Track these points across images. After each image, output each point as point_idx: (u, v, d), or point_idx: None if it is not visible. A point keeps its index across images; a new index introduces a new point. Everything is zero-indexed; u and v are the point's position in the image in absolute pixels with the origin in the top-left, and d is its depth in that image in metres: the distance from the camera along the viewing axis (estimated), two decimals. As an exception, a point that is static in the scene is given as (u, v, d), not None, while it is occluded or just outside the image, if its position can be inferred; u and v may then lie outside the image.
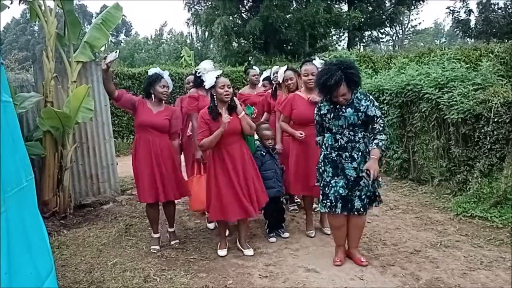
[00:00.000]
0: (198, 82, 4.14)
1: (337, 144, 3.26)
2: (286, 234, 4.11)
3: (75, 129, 5.21)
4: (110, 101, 5.35)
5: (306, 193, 4.03)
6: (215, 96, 3.55)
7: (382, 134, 3.20)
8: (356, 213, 3.28)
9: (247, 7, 20.40)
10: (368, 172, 3.07)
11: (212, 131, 3.47)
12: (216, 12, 18.78)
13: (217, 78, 3.50)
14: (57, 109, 4.74)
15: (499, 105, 4.38)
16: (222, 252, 3.75)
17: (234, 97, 3.69)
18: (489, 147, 4.53)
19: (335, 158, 3.27)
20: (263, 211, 4.11)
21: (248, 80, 5.49)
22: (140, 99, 3.84)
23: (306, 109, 3.78)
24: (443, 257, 3.49)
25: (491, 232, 3.96)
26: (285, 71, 4.41)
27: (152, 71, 3.87)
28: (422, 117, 5.42)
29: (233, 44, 20.49)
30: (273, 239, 4.02)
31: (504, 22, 20.64)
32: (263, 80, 5.44)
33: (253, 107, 5.00)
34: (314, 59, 4.03)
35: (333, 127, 3.26)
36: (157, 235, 4.02)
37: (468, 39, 22.98)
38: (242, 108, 3.67)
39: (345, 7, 21.38)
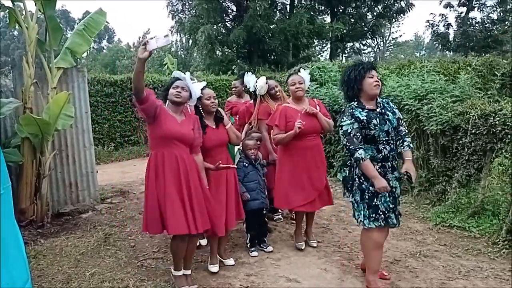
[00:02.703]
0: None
1: (380, 155, 2.97)
2: (270, 248, 3.97)
3: (54, 136, 5.12)
4: (131, 102, 3.97)
5: (308, 208, 3.89)
6: (200, 108, 3.47)
7: (408, 136, 3.14)
8: (397, 225, 3.09)
9: (231, 17, 20.50)
10: (409, 174, 2.93)
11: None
12: (200, 21, 18.81)
13: (202, 89, 3.41)
14: (36, 116, 4.65)
15: (476, 117, 4.48)
16: (214, 268, 3.58)
17: (219, 108, 3.64)
18: (467, 158, 4.63)
19: (379, 170, 2.94)
20: (245, 224, 4.09)
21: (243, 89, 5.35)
22: (161, 104, 3.11)
23: (303, 121, 3.68)
24: (422, 266, 3.53)
25: (469, 242, 4.03)
26: (266, 82, 4.45)
27: (172, 74, 3.39)
28: (402, 128, 5.50)
29: (216, 53, 20.53)
30: (254, 253, 3.89)
31: (481, 36, 21.31)
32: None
33: (237, 116, 5.03)
34: (299, 71, 4.07)
35: (380, 134, 2.95)
36: (180, 273, 3.27)
37: (447, 52, 23.59)
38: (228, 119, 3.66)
39: (328, 19, 21.71)
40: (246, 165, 3.91)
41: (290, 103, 3.95)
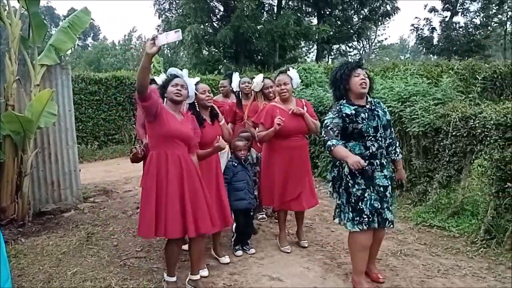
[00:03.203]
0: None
1: (368, 152, 2.98)
2: (252, 251, 3.95)
3: (36, 134, 5.06)
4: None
5: (291, 207, 3.91)
6: (196, 104, 3.45)
7: (398, 146, 3.23)
8: (391, 225, 3.10)
9: (218, 16, 20.51)
10: (402, 181, 3.03)
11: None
12: (187, 20, 18.76)
13: (196, 84, 3.35)
14: (19, 113, 4.59)
15: (457, 120, 4.58)
16: (205, 272, 3.47)
17: (214, 105, 3.61)
18: (447, 159, 4.72)
19: (366, 168, 2.93)
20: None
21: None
22: (161, 102, 3.02)
23: (289, 121, 3.71)
24: (403, 265, 3.60)
25: (448, 241, 4.12)
26: (262, 80, 4.45)
27: (168, 71, 3.28)
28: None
29: (203, 52, 20.50)
30: (239, 253, 3.89)
31: (464, 40, 21.70)
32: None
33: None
34: (289, 70, 4.07)
35: (368, 130, 2.98)
36: (174, 279, 3.18)
37: (431, 55, 23.96)
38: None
39: (314, 21, 21.86)
40: (235, 164, 3.88)
41: (277, 103, 3.96)
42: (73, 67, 27.23)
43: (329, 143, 2.93)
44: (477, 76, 7.01)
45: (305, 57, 29.09)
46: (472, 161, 4.55)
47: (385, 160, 3.07)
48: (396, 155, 3.19)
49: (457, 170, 4.67)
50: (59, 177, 5.52)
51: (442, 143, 4.77)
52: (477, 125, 4.29)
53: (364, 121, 2.97)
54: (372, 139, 2.99)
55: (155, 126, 2.93)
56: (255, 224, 4.42)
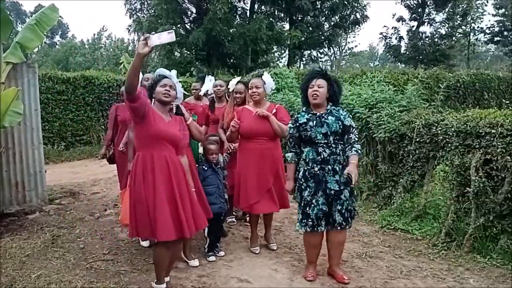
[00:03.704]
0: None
1: (319, 157, 3.21)
2: (222, 253, 3.96)
3: (1, 133, 4.91)
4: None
5: (258, 209, 3.94)
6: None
7: (358, 144, 3.29)
8: (339, 227, 3.27)
9: (190, 18, 20.40)
10: (349, 176, 3.06)
11: None
12: (159, 21, 18.56)
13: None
14: (-18, 112, 4.45)
15: (421, 126, 4.75)
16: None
17: (180, 105, 3.56)
18: (411, 164, 4.90)
19: (317, 172, 3.22)
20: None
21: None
22: (149, 103, 2.99)
23: (253, 122, 3.84)
24: (367, 267, 3.71)
25: (411, 244, 4.27)
26: (237, 83, 4.47)
27: (156, 72, 3.27)
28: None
29: (175, 54, 20.35)
30: (212, 258, 3.86)
31: (430, 49, 22.45)
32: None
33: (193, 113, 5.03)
34: (263, 74, 4.15)
35: (317, 136, 3.19)
36: (163, 286, 3.13)
37: (399, 63, 24.66)
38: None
39: (287, 26, 22.07)
40: (206, 168, 3.86)
41: (249, 106, 4.07)
42: (40, 65, 26.43)
43: (286, 156, 3.40)
44: (440, 85, 7.28)
45: (278, 62, 29.33)
46: (434, 167, 4.74)
47: (338, 166, 3.22)
48: (350, 151, 3.23)
49: (421, 175, 4.85)
50: (23, 178, 5.36)
51: (406, 149, 4.94)
52: (439, 132, 4.47)
53: (312, 129, 3.22)
54: (324, 145, 3.22)
55: (143, 127, 2.89)
56: (224, 227, 4.44)
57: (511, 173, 3.69)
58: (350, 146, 3.26)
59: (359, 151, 3.28)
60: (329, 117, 3.24)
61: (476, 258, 3.78)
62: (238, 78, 4.55)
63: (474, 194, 3.87)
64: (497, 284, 3.36)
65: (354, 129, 3.33)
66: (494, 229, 3.83)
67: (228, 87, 4.62)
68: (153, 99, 3.09)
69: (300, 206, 3.34)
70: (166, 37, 2.58)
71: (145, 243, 4.17)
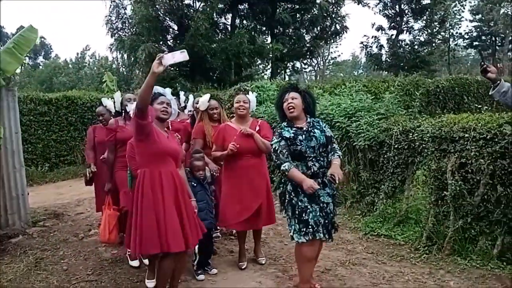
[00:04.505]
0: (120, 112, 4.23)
1: (310, 171, 3.13)
2: (214, 271, 3.90)
3: (-20, 158, 4.88)
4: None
5: (243, 227, 3.94)
6: None
7: (339, 151, 3.32)
8: (330, 240, 3.27)
9: (172, 35, 20.48)
10: (333, 177, 3.02)
11: None
12: (140, 39, 18.60)
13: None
14: (-40, 137, 4.42)
15: (398, 133, 4.86)
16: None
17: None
18: (391, 171, 4.98)
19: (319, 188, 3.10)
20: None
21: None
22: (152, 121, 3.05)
23: (239, 140, 3.81)
24: (351, 274, 3.75)
25: (394, 249, 4.33)
26: (209, 99, 4.49)
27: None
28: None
29: (159, 71, 20.30)
30: (201, 277, 3.79)
31: (410, 57, 22.88)
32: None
33: (177, 134, 5.03)
34: (245, 89, 4.21)
35: (307, 150, 3.14)
36: None
37: (381, 71, 25.02)
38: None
39: (268, 39, 22.30)
40: (195, 185, 3.79)
41: (232, 122, 4.07)
42: (23, 86, 26.21)
43: (282, 167, 3.11)
44: (419, 91, 7.44)
45: (262, 74, 29.53)
46: (414, 172, 4.83)
47: (327, 178, 3.18)
48: (333, 156, 3.23)
49: (401, 180, 4.94)
50: (6, 202, 5.30)
51: (386, 156, 5.04)
52: (416, 138, 4.58)
53: (302, 143, 3.15)
54: (313, 159, 3.15)
55: (146, 145, 2.97)
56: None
57: (485, 176, 3.79)
58: (332, 152, 3.28)
59: (341, 156, 3.32)
60: (315, 130, 3.25)
61: (456, 260, 3.85)
62: (208, 95, 4.53)
63: (452, 197, 3.96)
64: (476, 285, 3.43)
65: (333, 139, 3.39)
66: (473, 231, 3.91)
67: (196, 104, 4.65)
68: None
69: (294, 216, 3.15)
70: (179, 56, 2.75)
71: (135, 263, 4.12)
